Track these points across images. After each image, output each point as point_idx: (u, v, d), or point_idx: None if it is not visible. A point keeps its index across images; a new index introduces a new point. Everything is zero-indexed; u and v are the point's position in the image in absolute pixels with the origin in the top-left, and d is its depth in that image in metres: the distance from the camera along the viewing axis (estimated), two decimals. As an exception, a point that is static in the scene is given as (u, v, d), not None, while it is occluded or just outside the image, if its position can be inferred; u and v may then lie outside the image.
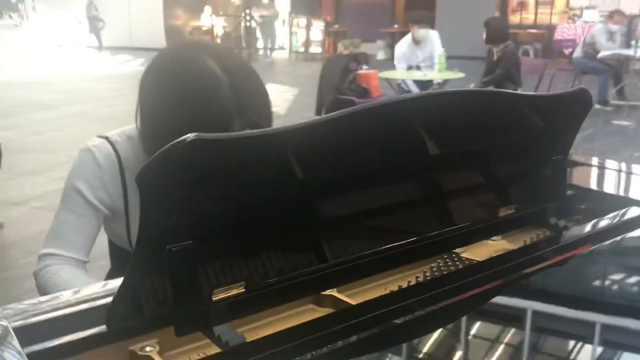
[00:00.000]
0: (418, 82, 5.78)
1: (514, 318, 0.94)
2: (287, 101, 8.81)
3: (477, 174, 1.08)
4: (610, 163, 1.42)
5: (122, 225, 1.21)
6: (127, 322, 0.71)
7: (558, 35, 12.37)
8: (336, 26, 14.80)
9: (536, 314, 0.92)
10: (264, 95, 1.14)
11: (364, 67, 6.15)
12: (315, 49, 14.35)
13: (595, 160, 1.46)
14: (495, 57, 5.73)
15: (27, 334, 0.69)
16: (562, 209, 1.12)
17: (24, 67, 12.19)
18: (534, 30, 13.23)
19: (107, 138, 1.19)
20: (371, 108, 0.90)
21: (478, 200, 1.10)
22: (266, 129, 0.74)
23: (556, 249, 1.04)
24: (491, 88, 5.61)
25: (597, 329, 0.88)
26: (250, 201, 0.78)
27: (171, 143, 0.63)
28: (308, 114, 6.68)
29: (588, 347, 0.84)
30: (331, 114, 0.85)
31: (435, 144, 0.98)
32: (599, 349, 0.84)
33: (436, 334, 0.86)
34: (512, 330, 0.91)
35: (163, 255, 0.67)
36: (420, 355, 0.82)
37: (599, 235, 1.07)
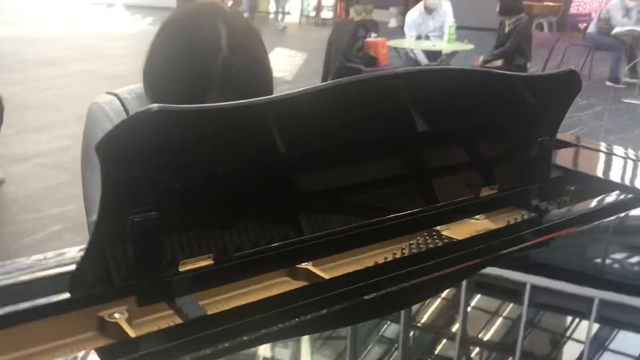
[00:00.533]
0: (426, 52, 5.71)
1: (512, 292, 0.95)
2: (295, 66, 8.73)
3: (462, 152, 1.07)
4: (601, 145, 1.40)
5: None
6: (91, 290, 0.72)
7: (574, 9, 12.12)
8: (349, -10, 14.57)
9: (535, 288, 0.93)
10: (260, 78, 1.12)
11: (373, 34, 6.08)
12: (327, 14, 14.15)
13: (586, 142, 1.44)
14: (507, 30, 5.64)
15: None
16: (546, 191, 1.11)
17: (34, 22, 12.09)
18: (550, 3, 12.96)
19: (116, 95, 1.19)
20: (356, 81, 0.89)
21: (461, 178, 1.09)
22: (239, 102, 0.72)
23: (537, 230, 1.04)
24: (500, 61, 5.55)
25: (595, 304, 0.89)
26: (222, 173, 0.77)
27: (135, 112, 0.62)
28: (315, 80, 6.63)
29: (585, 323, 0.85)
30: (313, 86, 0.83)
31: (421, 121, 0.97)
32: (596, 325, 0.84)
33: (435, 304, 0.87)
34: (511, 304, 0.92)
35: (126, 225, 0.67)
36: (419, 325, 0.83)
37: (579, 219, 1.06)
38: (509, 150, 1.09)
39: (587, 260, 1.08)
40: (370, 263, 0.98)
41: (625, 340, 0.83)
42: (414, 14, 5.95)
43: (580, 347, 0.80)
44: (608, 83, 7.62)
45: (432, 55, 5.75)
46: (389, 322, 0.83)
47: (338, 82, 0.85)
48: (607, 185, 1.18)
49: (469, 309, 0.87)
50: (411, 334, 0.83)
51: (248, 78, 1.09)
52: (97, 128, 1.17)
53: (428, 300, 0.88)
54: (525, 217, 1.11)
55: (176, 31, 1.11)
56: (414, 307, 0.87)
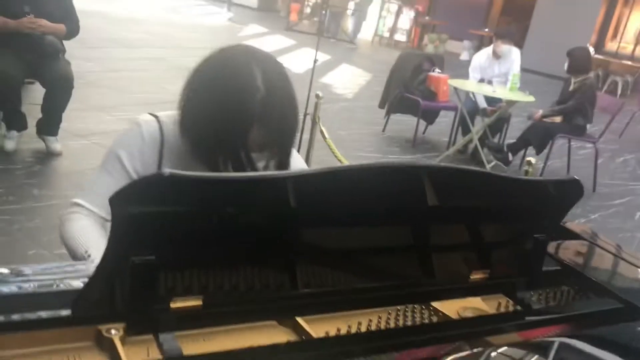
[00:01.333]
0: (487, 96, 5.70)
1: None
2: (357, 85, 8.83)
3: (460, 237, 1.13)
4: (610, 245, 1.42)
5: None
6: (91, 311, 0.82)
7: (652, 73, 11.81)
8: (427, 18, 14.59)
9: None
10: (293, 112, 1.24)
11: (437, 70, 6.11)
12: (400, 37, 14.21)
13: (598, 238, 1.47)
14: (571, 88, 5.58)
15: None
16: (536, 284, 1.16)
17: (122, 3, 12.59)
18: (629, 62, 12.66)
19: (157, 117, 1.32)
20: (370, 168, 0.95)
21: (456, 261, 1.15)
22: (252, 174, 0.81)
23: (518, 324, 1.08)
24: (559, 118, 5.48)
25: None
26: (224, 229, 0.86)
27: (149, 174, 0.72)
28: (373, 103, 6.71)
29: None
30: (325, 169, 0.90)
31: (428, 205, 1.03)
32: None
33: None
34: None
35: (126, 264, 0.77)
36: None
37: (563, 321, 1.10)
38: (506, 241, 1.15)
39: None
40: (355, 323, 1.05)
41: None
42: (482, 57, 5.95)
43: None
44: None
45: (491, 100, 5.74)
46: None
47: (349, 168, 0.92)
48: (600, 290, 1.21)
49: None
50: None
51: (284, 114, 1.21)
52: (126, 138, 1.31)
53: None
54: (512, 307, 1.16)
55: (214, 73, 1.20)
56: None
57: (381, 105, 6.35)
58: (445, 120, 6.69)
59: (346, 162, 3.25)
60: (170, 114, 1.35)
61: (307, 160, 3.37)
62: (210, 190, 0.78)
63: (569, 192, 1.08)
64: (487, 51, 5.97)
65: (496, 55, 5.83)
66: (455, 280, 1.12)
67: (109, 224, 1.28)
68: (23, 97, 4.09)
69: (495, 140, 6.05)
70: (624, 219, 4.97)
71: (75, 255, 1.24)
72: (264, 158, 1.26)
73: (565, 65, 5.51)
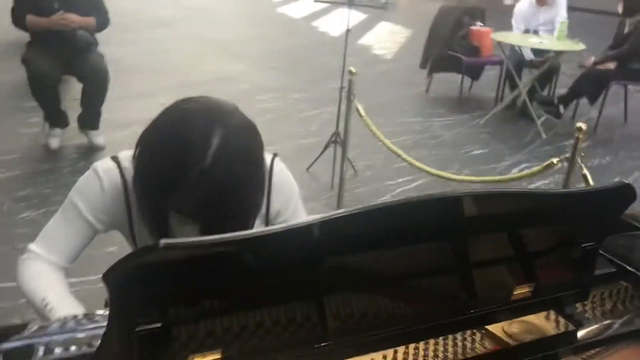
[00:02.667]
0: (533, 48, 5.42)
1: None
2: (396, 44, 8.58)
3: (502, 254, 1.03)
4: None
5: (130, 240, 1.30)
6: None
7: None
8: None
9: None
10: (235, 188, 1.07)
11: (479, 23, 5.84)
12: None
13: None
14: (626, 30, 5.23)
15: None
16: (585, 297, 1.07)
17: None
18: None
19: (118, 163, 1.23)
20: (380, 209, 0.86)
21: (500, 279, 1.05)
22: (249, 233, 0.73)
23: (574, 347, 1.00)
24: (613, 64, 5.17)
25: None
26: (236, 282, 0.80)
27: (143, 247, 0.66)
28: (414, 62, 6.50)
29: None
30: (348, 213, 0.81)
31: (470, 230, 0.95)
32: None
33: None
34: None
35: (132, 337, 0.72)
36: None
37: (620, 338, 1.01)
38: (553, 254, 1.05)
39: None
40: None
41: None
42: (524, 5, 5.63)
43: None
44: None
45: (538, 50, 5.45)
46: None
47: (375, 209, 0.83)
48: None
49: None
50: None
51: (220, 191, 1.05)
52: (86, 190, 1.23)
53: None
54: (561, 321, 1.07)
55: (171, 124, 1.08)
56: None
57: (422, 65, 6.14)
58: (491, 73, 6.43)
59: (385, 141, 3.14)
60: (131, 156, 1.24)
61: (344, 139, 3.27)
62: (213, 251, 0.71)
63: (619, 199, 0.97)
64: (531, -2, 5.65)
65: (540, 2, 5.51)
66: (499, 299, 1.04)
67: (65, 272, 1.26)
68: (62, 93, 4.13)
69: (545, 93, 5.77)
70: (689, 167, 4.69)
71: (34, 304, 1.19)
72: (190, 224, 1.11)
73: (619, 7, 5.16)
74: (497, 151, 4.74)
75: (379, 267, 0.93)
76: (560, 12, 5.48)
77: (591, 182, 2.48)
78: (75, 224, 1.23)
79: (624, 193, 0.96)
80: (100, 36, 4.13)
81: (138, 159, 1.12)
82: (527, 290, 1.04)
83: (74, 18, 3.86)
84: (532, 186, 4.07)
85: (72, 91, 4.84)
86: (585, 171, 2.45)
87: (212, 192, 1.04)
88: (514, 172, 4.30)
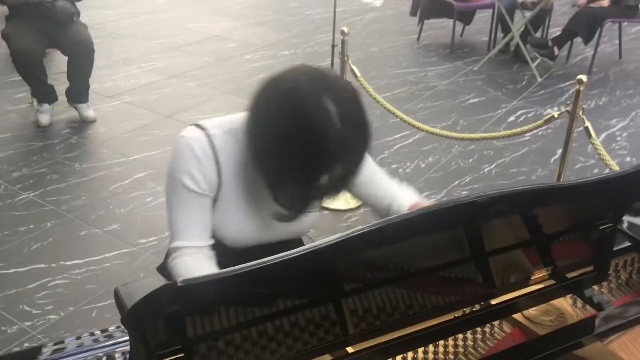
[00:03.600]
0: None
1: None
2: (385, -11, 8.36)
3: (521, 244, 1.02)
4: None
5: (211, 205, 1.28)
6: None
7: None
8: None
9: None
10: (367, 138, 1.13)
11: (468, -35, 5.67)
12: None
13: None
14: (618, -36, 5.09)
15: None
16: (604, 277, 1.06)
17: None
18: None
19: (204, 130, 1.24)
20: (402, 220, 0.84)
21: (518, 270, 1.04)
22: (276, 258, 0.71)
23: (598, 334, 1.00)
24: (607, 1, 5.06)
25: None
26: (259, 309, 0.78)
27: (162, 286, 0.64)
28: (405, 8, 6.35)
29: None
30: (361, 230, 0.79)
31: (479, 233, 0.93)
32: None
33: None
34: None
35: (156, 368, 0.71)
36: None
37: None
38: (570, 237, 1.03)
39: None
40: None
41: None
42: (515, -56, 5.46)
43: None
44: None
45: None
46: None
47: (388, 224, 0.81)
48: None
49: None
50: None
51: (361, 146, 1.11)
52: (183, 164, 1.23)
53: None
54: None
55: (282, 109, 1.07)
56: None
57: (412, 13, 6.01)
58: (483, 17, 6.30)
59: (382, 101, 3.08)
60: (217, 123, 1.27)
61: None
62: (232, 284, 0.69)
63: (634, 182, 0.94)
64: (521, -64, 5.47)
65: (531, -59, 5.34)
66: (521, 287, 1.02)
67: (213, 252, 1.25)
68: (47, 68, 4.03)
69: (538, 34, 5.67)
70: (686, 103, 4.66)
71: None
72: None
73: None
74: (493, 98, 4.69)
75: (401, 268, 0.91)
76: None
77: (593, 133, 2.45)
78: (193, 202, 1.23)
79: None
80: (81, 2, 4.00)
81: (265, 154, 1.12)
82: (546, 274, 1.03)
83: (52, -12, 3.72)
84: (528, 134, 4.04)
85: (58, 64, 4.73)
86: (588, 124, 2.42)
87: (355, 149, 1.09)
88: (510, 120, 4.27)
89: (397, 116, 3.18)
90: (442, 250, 0.93)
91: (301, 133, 1.04)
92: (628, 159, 3.79)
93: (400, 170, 3.59)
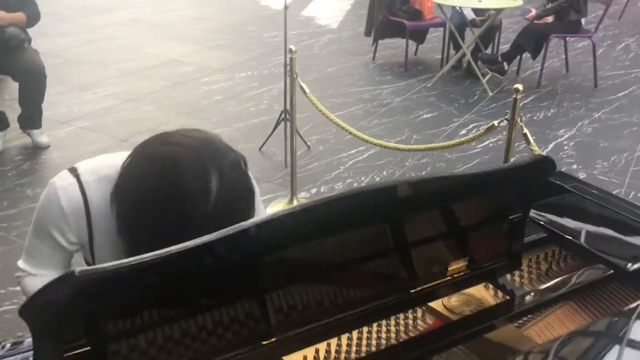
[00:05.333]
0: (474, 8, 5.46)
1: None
2: (342, 12, 8.51)
3: (435, 233, 1.06)
4: (604, 195, 1.34)
5: (89, 257, 1.24)
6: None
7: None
8: None
9: None
10: (239, 217, 0.97)
11: (419, -14, 5.83)
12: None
13: (592, 189, 1.38)
14: (560, -18, 5.30)
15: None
16: (517, 266, 1.11)
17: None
18: None
19: (77, 177, 1.16)
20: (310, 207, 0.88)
21: (435, 257, 1.08)
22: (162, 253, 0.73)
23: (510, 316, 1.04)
24: (551, 17, 5.26)
25: None
26: (163, 301, 0.81)
27: (59, 277, 0.66)
28: (361, 30, 6.47)
29: None
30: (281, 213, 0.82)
31: (405, 214, 0.97)
32: None
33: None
34: None
35: (64, 364, 0.72)
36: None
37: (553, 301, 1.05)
38: (482, 228, 1.08)
39: None
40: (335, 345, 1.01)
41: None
42: (462, -36, 5.64)
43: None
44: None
45: (479, 9, 5.50)
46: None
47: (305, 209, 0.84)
48: (588, 255, 1.15)
49: None
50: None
51: (233, 211, 1.00)
52: (48, 211, 1.16)
53: None
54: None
55: (160, 175, 0.98)
56: None
57: (367, 33, 6.13)
58: (436, 36, 6.46)
59: (332, 117, 3.14)
60: (92, 168, 1.17)
61: (291, 116, 3.26)
62: (132, 274, 0.71)
63: (539, 171, 1.00)
64: (467, -43, 5.65)
65: (477, -39, 5.53)
66: (436, 276, 1.07)
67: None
68: (-1, 94, 4.00)
69: (489, 51, 5.84)
70: (630, 112, 4.84)
71: None
72: None
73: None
74: (445, 113, 4.80)
75: (318, 259, 0.95)
76: (498, -31, 5.51)
77: (531, 139, 2.54)
78: (49, 244, 1.19)
79: (544, 166, 1.00)
80: (34, 29, 3.99)
81: (124, 214, 1.02)
82: (462, 265, 1.08)
83: (1, 15, 3.71)
84: (479, 146, 4.15)
85: (10, 90, 4.68)
86: (526, 130, 2.51)
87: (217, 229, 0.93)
88: (462, 133, 4.37)
89: (350, 133, 3.24)
90: (359, 241, 0.97)
91: (169, 199, 0.96)
92: (575, 166, 3.91)
93: (356, 184, 3.64)
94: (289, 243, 0.88)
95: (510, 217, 1.05)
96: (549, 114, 4.80)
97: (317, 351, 0.95)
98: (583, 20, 5.34)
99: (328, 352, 0.97)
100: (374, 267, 1.01)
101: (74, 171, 1.17)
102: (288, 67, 3.24)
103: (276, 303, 0.93)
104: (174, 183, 0.96)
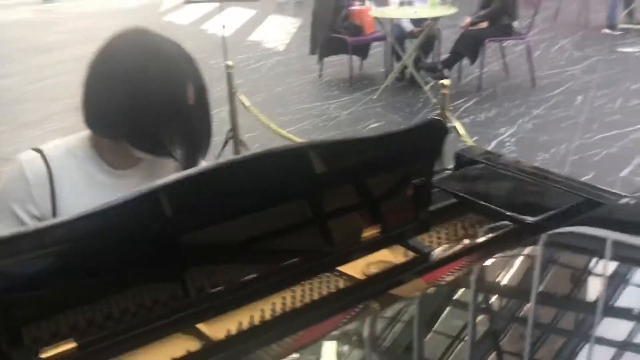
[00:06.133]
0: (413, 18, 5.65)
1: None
2: (288, 35, 8.66)
3: (345, 200, 1.12)
4: (510, 164, 1.42)
5: None
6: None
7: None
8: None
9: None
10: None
11: (357, 2, 6.01)
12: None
13: (500, 158, 1.46)
14: (490, -11, 5.54)
15: None
16: (426, 228, 1.18)
17: (31, 7, 12.06)
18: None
19: (41, 152, 1.22)
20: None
21: (347, 223, 1.14)
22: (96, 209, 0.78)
23: (418, 269, 1.10)
24: (486, 23, 5.47)
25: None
26: (81, 263, 0.85)
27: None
28: (306, 50, 6.60)
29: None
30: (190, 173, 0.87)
31: (310, 182, 1.03)
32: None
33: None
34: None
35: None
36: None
37: (460, 256, 1.12)
38: (388, 194, 1.15)
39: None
40: (258, 311, 1.05)
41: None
42: (397, -21, 5.85)
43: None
44: (605, 30, 7.48)
45: (418, 20, 5.69)
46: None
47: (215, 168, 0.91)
48: (495, 213, 1.23)
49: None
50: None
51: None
52: (11, 185, 1.20)
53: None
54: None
55: (149, 53, 1.18)
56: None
57: (312, 52, 6.26)
58: (379, 50, 6.63)
59: (274, 126, 3.22)
60: (56, 144, 1.26)
61: (235, 133, 3.32)
62: (47, 236, 0.76)
63: (431, 134, 1.08)
64: (401, -27, 5.86)
65: (410, -26, 5.74)
66: (350, 242, 1.13)
67: None
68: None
69: (430, 59, 6.02)
70: (566, 107, 5.04)
71: None
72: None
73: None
74: (392, 122, 4.93)
75: (231, 227, 1.00)
76: (430, -18, 5.72)
77: (462, 132, 2.65)
78: (9, 222, 1.19)
79: (435, 127, 1.08)
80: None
81: (109, 97, 1.18)
82: (373, 230, 1.14)
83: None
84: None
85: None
86: (454, 123, 2.62)
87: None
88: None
89: (292, 142, 3.32)
90: (270, 207, 1.02)
91: (153, 59, 1.16)
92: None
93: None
94: (197, 206, 0.92)
95: (413, 182, 1.12)
96: (490, 115, 4.97)
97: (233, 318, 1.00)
98: (515, 23, 5.57)
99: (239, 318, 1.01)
100: (285, 234, 1.06)
101: (37, 149, 1.23)
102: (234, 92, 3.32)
103: (191, 273, 0.97)
104: (160, 68, 1.16)
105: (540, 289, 0.97)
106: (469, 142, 2.64)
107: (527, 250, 1.14)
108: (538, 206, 1.28)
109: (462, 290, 1.07)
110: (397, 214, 1.15)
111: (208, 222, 0.96)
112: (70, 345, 0.85)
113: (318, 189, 1.06)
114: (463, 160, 1.43)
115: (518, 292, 0.99)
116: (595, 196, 1.20)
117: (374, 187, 1.13)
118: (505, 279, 1.09)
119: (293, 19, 9.86)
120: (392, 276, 1.09)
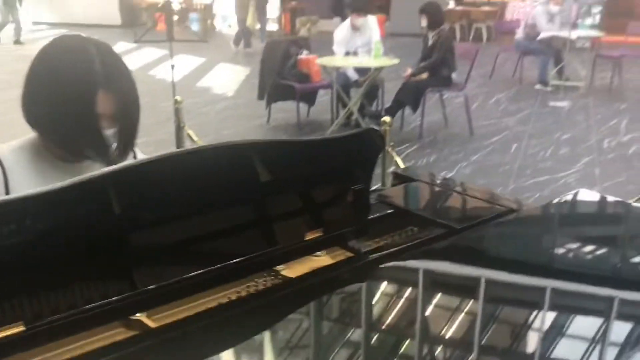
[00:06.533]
0: (357, 68, 5.89)
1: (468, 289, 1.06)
2: (237, 82, 8.82)
3: (289, 202, 1.20)
4: (436, 180, 1.55)
5: None
6: None
7: (509, 15, 12.57)
8: (293, 2, 14.71)
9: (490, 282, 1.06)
10: (133, 84, 1.31)
11: (305, 51, 6.22)
12: (271, 27, 14.24)
13: (435, 178, 1.58)
14: (430, 42, 5.85)
15: None
16: (365, 231, 1.26)
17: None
18: (487, 8, 13.36)
19: None
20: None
21: (290, 225, 1.21)
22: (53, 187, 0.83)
23: (354, 268, 1.17)
24: (425, 74, 5.75)
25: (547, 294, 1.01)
26: (29, 248, 0.88)
27: None
28: (254, 96, 6.72)
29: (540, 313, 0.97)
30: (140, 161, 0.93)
31: (253, 182, 1.09)
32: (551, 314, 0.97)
33: (397, 307, 1.00)
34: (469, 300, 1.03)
35: None
36: (383, 327, 0.95)
37: (392, 257, 1.20)
38: (329, 199, 1.23)
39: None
40: (202, 307, 1.09)
41: (579, 325, 0.94)
42: (343, 31, 6.11)
43: (538, 335, 0.92)
44: (537, 87, 7.96)
45: (362, 70, 5.93)
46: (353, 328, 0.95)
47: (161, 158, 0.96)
48: (427, 221, 1.32)
49: (429, 307, 1.00)
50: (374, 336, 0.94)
51: (125, 79, 1.27)
52: None
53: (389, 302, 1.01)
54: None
55: (48, 58, 1.25)
56: (376, 310, 0.99)
57: (260, 97, 6.39)
58: (325, 98, 6.82)
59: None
60: (10, 145, 1.33)
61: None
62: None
63: (368, 142, 1.17)
64: (346, 24, 6.13)
65: (355, 27, 6.01)
66: (292, 243, 1.19)
67: None
68: None
69: (374, 107, 6.25)
70: (502, 154, 5.31)
71: None
72: (114, 139, 1.29)
73: (424, 22, 5.77)
74: (337, 165, 5.05)
75: (178, 218, 1.04)
76: (374, 35, 6.00)
77: (401, 164, 2.78)
78: None
79: (372, 136, 1.17)
80: None
81: (38, 103, 1.24)
82: (314, 233, 1.21)
83: None
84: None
85: None
86: (395, 158, 2.75)
87: (121, 80, 1.25)
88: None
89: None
90: (214, 204, 1.07)
91: (67, 66, 1.22)
92: (455, 202, 4.23)
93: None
94: (134, 197, 0.97)
95: (353, 188, 1.20)
96: (431, 160, 5.18)
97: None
98: (454, 75, 5.88)
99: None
100: (228, 230, 1.12)
101: None
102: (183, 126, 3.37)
103: (137, 262, 1.01)
104: (58, 55, 1.25)
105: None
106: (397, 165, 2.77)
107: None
108: (464, 215, 1.38)
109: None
110: (334, 217, 1.23)
111: (145, 214, 1.01)
112: (18, 328, 0.88)
113: (256, 188, 1.11)
114: (400, 178, 1.53)
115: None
116: (510, 206, 1.32)
117: (312, 190, 1.20)
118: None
119: (242, 67, 10.05)
120: (325, 274, 1.16)
